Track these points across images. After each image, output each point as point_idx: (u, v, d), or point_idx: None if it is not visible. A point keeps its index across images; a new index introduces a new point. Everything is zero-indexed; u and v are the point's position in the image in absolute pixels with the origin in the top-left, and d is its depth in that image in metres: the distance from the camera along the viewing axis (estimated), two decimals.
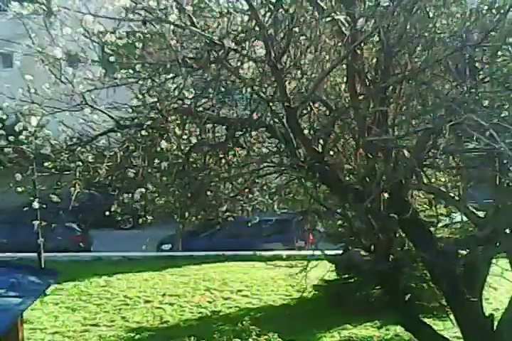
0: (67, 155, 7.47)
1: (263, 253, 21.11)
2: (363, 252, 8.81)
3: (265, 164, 8.32)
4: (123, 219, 28.29)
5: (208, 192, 9.27)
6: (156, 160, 8.07)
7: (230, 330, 11.31)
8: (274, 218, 22.04)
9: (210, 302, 16.23)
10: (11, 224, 22.03)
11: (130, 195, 9.32)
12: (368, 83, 7.12)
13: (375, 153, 6.93)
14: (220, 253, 21.21)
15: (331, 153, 7.69)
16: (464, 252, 7.76)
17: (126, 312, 15.46)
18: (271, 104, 6.88)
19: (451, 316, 9.32)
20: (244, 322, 11.32)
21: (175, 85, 7.07)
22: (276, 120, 7.21)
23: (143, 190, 8.84)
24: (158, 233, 24.11)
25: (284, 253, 20.97)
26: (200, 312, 15.43)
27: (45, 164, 7.54)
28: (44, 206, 7.87)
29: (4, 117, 7.31)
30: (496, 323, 8.25)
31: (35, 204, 7.76)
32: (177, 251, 22.34)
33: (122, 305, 15.94)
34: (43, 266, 17.24)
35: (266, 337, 11.16)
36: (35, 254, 17.51)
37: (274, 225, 22.81)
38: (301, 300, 16.37)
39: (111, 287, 17.44)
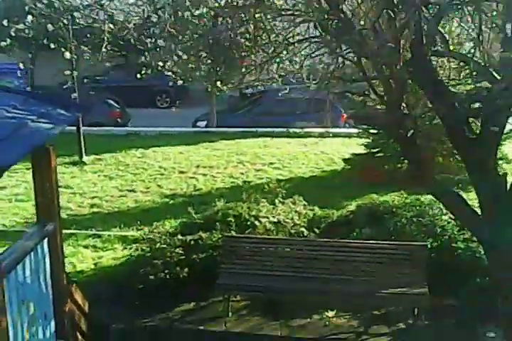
0: (96, 10, 7.64)
1: (296, 130, 21.44)
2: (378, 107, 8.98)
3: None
4: (160, 98, 29.05)
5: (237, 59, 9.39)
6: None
7: (258, 191, 11.75)
8: (306, 96, 22.38)
9: (242, 173, 16.76)
10: None
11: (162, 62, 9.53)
12: None
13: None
14: (254, 129, 21.63)
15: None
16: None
17: (161, 180, 16.09)
18: None
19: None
20: (271, 185, 11.78)
21: None
22: None
23: (175, 58, 9.02)
24: (194, 111, 24.63)
25: (317, 130, 21.34)
26: (232, 182, 15.99)
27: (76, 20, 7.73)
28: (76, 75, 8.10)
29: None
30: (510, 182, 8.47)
31: (67, 55, 8.03)
32: (212, 127, 22.84)
33: (157, 175, 16.58)
34: (81, 140, 17.85)
35: (291, 199, 11.62)
36: (73, 128, 18.06)
37: (307, 103, 23.13)
38: (330, 173, 16.84)
39: (147, 158, 18.09)
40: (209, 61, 10.05)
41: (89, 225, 12.67)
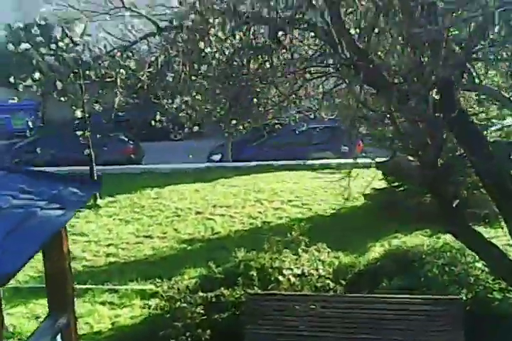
0: (107, 62, 7.27)
1: (312, 162, 21.03)
2: (410, 158, 8.56)
3: (309, 64, 7.96)
4: (173, 130, 28.54)
5: (254, 99, 9.03)
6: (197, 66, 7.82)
7: (280, 240, 11.28)
8: (322, 125, 21.97)
9: (260, 212, 16.31)
10: (61, 138, 22.21)
11: (172, 102, 9.16)
12: None
13: (421, 47, 6.51)
14: (270, 162, 21.22)
15: (377, 51, 7.27)
16: None
17: (178, 223, 15.67)
18: None
19: (503, 223, 9.08)
20: (293, 232, 11.30)
21: None
22: (319, 18, 6.81)
23: (185, 97, 8.67)
24: (208, 144, 24.24)
25: (334, 161, 20.91)
26: (250, 223, 15.54)
27: (87, 72, 7.38)
28: (87, 116, 7.76)
29: (43, 23, 7.14)
30: None
31: (78, 114, 7.68)
32: (227, 162, 22.43)
33: (174, 217, 16.17)
34: (95, 177, 17.50)
35: (315, 246, 11.14)
36: (87, 167, 17.74)
37: (323, 133, 22.72)
38: (351, 209, 16.35)
39: (163, 198, 17.67)
40: (223, 100, 9.65)
41: (105, 278, 12.23)
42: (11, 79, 7.70)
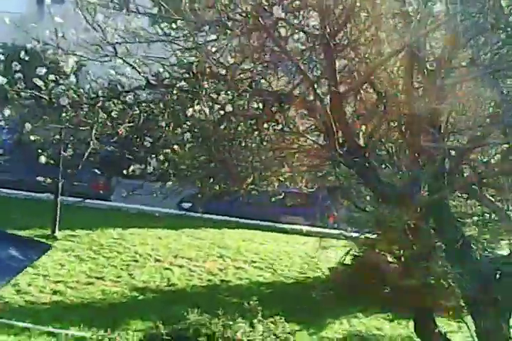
0: (87, 109, 6.89)
1: (283, 225, 20.59)
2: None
3: (301, 143, 7.68)
4: (144, 174, 27.59)
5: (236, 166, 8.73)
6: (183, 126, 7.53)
7: (236, 307, 10.74)
8: (296, 191, 21.62)
9: (221, 270, 15.77)
10: (30, 163, 21.57)
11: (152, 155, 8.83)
12: (426, 73, 6.38)
13: (424, 158, 6.24)
14: (240, 219, 20.73)
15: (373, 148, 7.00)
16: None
17: (134, 269, 15.05)
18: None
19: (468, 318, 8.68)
20: (251, 302, 10.76)
21: (215, 48, 6.39)
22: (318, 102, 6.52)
23: (167, 151, 8.35)
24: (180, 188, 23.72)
25: (304, 228, 20.51)
26: (209, 280, 14.98)
27: (63, 115, 7.01)
28: (52, 162, 7.34)
29: (26, 58, 6.74)
30: None
31: (42, 159, 7.23)
32: (196, 212, 21.86)
33: (131, 261, 15.54)
34: (58, 207, 16.90)
35: (272, 319, 10.61)
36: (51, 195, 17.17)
37: (297, 197, 22.35)
38: (314, 280, 15.87)
39: (123, 240, 17.04)
40: (204, 161, 9.31)
41: (46, 319, 11.53)
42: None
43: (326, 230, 20.91)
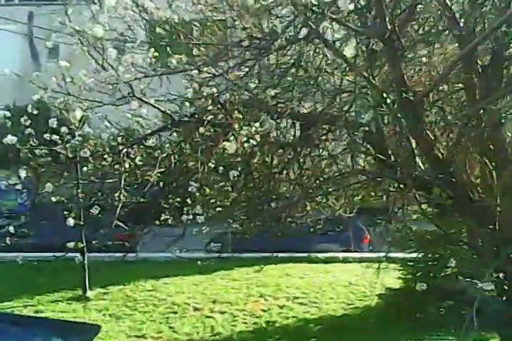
0: (110, 158, 6.25)
1: (318, 255, 19.80)
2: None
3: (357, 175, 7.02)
4: (173, 217, 26.90)
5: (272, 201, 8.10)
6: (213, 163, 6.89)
7: None
8: (324, 217, 20.90)
9: (264, 310, 14.97)
10: (53, 221, 21.14)
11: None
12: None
13: None
14: (273, 254, 19.94)
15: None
16: None
17: (175, 321, 14.29)
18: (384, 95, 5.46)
19: None
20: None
21: (242, 73, 5.76)
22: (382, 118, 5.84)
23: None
24: (205, 231, 23.00)
25: (341, 255, 19.73)
26: (254, 323, 14.17)
27: (84, 169, 6.39)
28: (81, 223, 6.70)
29: (35, 112, 6.13)
30: None
31: (70, 222, 6.57)
32: (226, 252, 21.13)
33: (170, 313, 14.78)
34: (86, 267, 16.24)
35: None
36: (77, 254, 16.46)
37: (327, 224, 21.58)
38: (363, 309, 15.02)
39: (158, 292, 16.30)
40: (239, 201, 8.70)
41: None
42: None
43: (364, 255, 20.15)
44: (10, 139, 6.11)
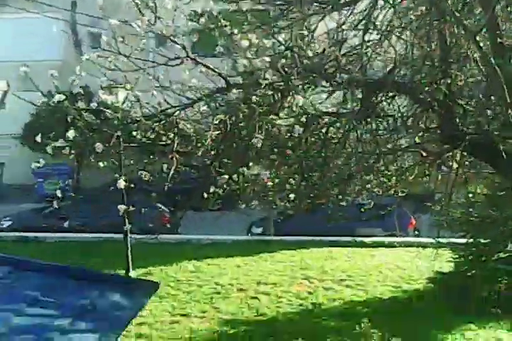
0: (162, 122, 5.94)
1: (362, 239, 19.39)
2: None
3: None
4: (213, 201, 26.73)
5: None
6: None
7: (337, 330, 9.64)
8: (370, 202, 20.44)
9: (309, 292, 14.64)
10: (94, 204, 21.16)
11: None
12: None
13: None
14: (316, 238, 19.61)
15: None
16: None
17: (219, 301, 14.05)
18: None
19: None
20: (362, 325, 9.62)
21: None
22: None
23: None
24: (243, 216, 22.73)
25: (387, 239, 19.31)
26: (300, 305, 13.86)
27: (134, 133, 6.10)
28: (131, 186, 6.39)
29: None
30: None
31: (121, 183, 6.28)
32: (268, 235, 20.86)
33: (214, 294, 14.55)
34: (129, 248, 16.11)
35: None
36: (120, 236, 16.35)
37: (372, 209, 21.10)
38: (413, 293, 14.59)
39: (201, 273, 16.08)
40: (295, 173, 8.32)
41: None
42: (38, 138, 6.40)
43: (409, 239, 19.70)
44: (58, 97, 5.87)
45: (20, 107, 12.57)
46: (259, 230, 21.47)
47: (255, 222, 21.89)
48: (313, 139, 7.36)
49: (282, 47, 5.75)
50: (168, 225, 22.08)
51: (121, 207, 7.61)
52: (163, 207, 21.55)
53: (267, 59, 5.62)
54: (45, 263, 4.79)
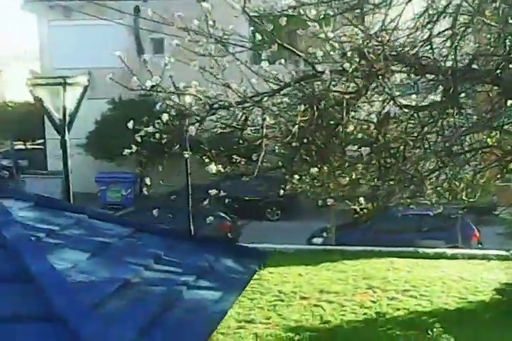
0: (251, 109, 5.97)
1: (426, 250, 19.23)
2: None
3: None
4: (271, 210, 27.00)
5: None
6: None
7: (414, 339, 9.57)
8: (432, 212, 20.24)
9: (373, 302, 14.56)
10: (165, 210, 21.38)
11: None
12: None
13: None
14: (377, 248, 19.52)
15: None
16: None
17: (282, 308, 14.09)
18: None
19: None
20: (435, 329, 9.55)
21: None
22: None
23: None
24: (308, 225, 22.78)
25: (449, 251, 19.14)
26: (364, 314, 13.79)
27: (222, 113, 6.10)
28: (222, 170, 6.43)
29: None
30: None
31: (213, 169, 6.30)
32: (329, 245, 20.83)
33: (277, 301, 14.60)
34: None
35: None
36: None
37: (432, 220, 20.88)
38: (478, 304, 14.38)
39: (264, 280, 16.15)
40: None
41: None
42: (130, 125, 6.47)
43: (473, 251, 19.46)
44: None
45: (84, 114, 12.79)
46: (320, 240, 21.46)
47: (315, 232, 21.92)
48: (388, 135, 7.32)
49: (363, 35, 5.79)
50: (229, 234, 22.33)
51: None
52: (224, 216, 21.73)
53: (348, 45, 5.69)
54: (163, 227, 4.97)
